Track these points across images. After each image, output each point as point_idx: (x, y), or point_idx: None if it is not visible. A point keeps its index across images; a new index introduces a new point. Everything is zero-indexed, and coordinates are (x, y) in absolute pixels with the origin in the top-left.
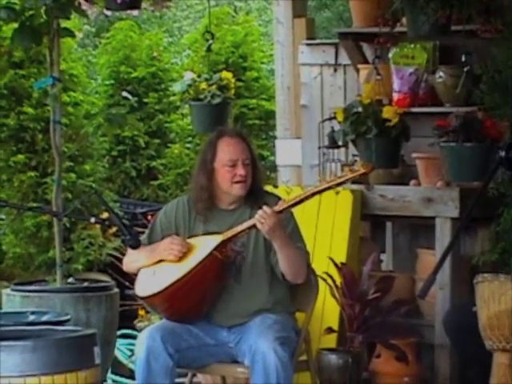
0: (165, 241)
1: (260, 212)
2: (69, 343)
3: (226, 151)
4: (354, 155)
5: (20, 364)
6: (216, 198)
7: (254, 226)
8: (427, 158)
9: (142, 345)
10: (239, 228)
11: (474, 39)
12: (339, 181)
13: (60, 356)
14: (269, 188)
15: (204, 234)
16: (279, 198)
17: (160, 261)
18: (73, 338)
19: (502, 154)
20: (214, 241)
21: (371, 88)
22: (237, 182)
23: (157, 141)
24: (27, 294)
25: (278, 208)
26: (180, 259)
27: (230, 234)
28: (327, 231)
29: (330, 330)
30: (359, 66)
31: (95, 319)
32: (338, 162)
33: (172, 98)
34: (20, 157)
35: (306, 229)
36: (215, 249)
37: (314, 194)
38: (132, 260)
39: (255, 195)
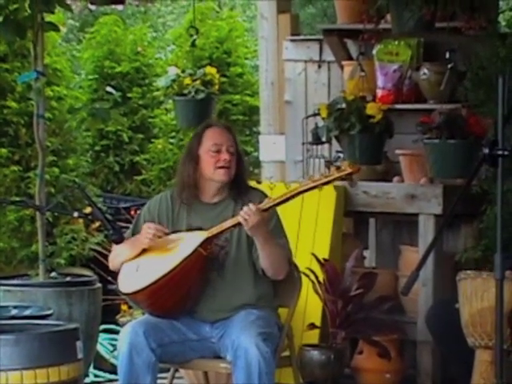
0: (142, 229)
1: (245, 209)
2: (51, 337)
3: (211, 138)
4: (337, 151)
5: (2, 358)
6: (200, 189)
7: (239, 223)
8: (411, 154)
9: (125, 340)
10: (224, 225)
11: (458, 36)
12: (325, 180)
13: (42, 350)
14: (252, 183)
15: (188, 229)
16: (263, 194)
17: (143, 252)
18: (55, 332)
19: (486, 151)
20: (198, 237)
21: (355, 84)
22: (221, 168)
23: (140, 136)
24: (9, 288)
25: (262, 206)
26: (164, 252)
27: (215, 230)
28: (310, 227)
29: (312, 325)
30: (343, 62)
31: (77, 314)
32: (321, 158)
33: (156, 93)
34: (3, 151)
35: (289, 224)
36: (200, 245)
37: (300, 193)
38: (116, 255)
39: (239, 188)
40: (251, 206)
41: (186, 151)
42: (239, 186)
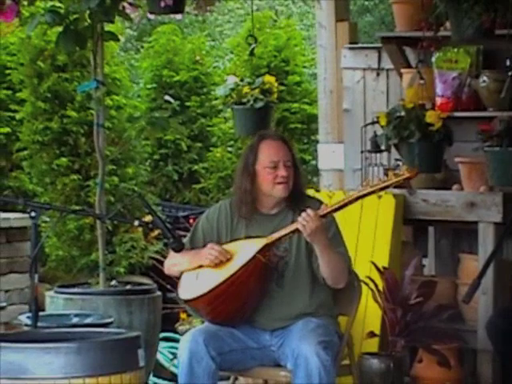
0: (206, 247)
1: (303, 214)
2: (113, 345)
3: (267, 153)
4: (396, 159)
5: (65, 366)
6: (258, 202)
7: (298, 229)
8: (470, 162)
9: (185, 348)
10: (283, 232)
11: None
12: (383, 185)
13: (105, 358)
14: (311, 192)
15: (246, 238)
16: (321, 202)
17: (201, 266)
18: (117, 340)
19: None
20: (257, 244)
21: (414, 92)
22: (279, 183)
23: (199, 144)
24: (70, 296)
25: (321, 212)
26: (222, 263)
27: (274, 237)
28: (369, 235)
29: (372, 334)
30: (402, 70)
31: (137, 322)
32: (380, 167)
33: (214, 102)
34: (63, 160)
35: (348, 233)
36: (259, 252)
37: (357, 199)
38: (174, 263)
39: (297, 199)
40: (309, 211)
41: (241, 164)
42: (297, 196)
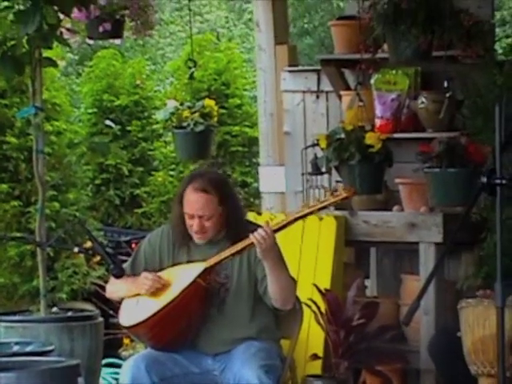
0: (140, 276)
1: (259, 230)
2: (53, 374)
3: (186, 202)
4: (337, 181)
5: None
6: None
7: (245, 249)
8: (410, 183)
9: (127, 374)
10: (222, 255)
11: (455, 64)
12: (321, 205)
13: None
14: (252, 216)
15: (188, 263)
16: (259, 226)
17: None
18: (57, 368)
19: (484, 179)
20: (197, 268)
21: (354, 114)
22: (195, 232)
23: (140, 169)
24: (11, 324)
25: (275, 227)
26: (163, 289)
27: (213, 261)
28: (311, 257)
29: (315, 356)
30: (341, 92)
31: (80, 349)
32: (321, 189)
33: (155, 126)
34: (3, 186)
35: (290, 255)
36: (199, 276)
37: (296, 219)
38: (114, 289)
39: (235, 230)
40: (266, 227)
41: (176, 196)
42: (235, 228)
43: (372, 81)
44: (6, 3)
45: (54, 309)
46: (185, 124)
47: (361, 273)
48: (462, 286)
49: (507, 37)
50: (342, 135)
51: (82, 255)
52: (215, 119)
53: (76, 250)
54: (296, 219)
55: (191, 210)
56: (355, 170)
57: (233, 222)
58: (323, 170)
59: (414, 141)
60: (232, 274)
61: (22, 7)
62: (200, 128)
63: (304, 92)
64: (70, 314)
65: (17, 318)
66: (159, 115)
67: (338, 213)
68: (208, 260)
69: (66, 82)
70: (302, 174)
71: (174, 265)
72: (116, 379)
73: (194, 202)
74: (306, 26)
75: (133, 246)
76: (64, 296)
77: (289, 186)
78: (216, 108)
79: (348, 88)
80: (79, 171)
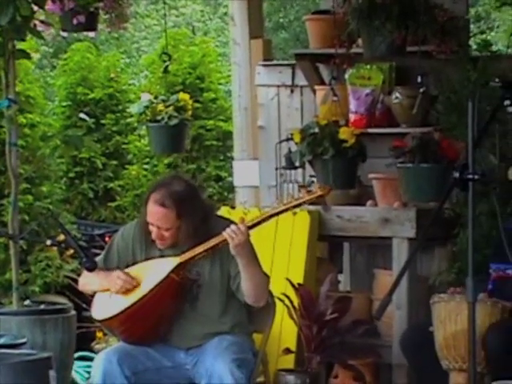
0: (113, 274)
1: (232, 227)
2: (24, 367)
3: (148, 211)
4: (311, 176)
5: None
6: None
7: (219, 245)
8: (384, 178)
9: (99, 368)
10: (196, 250)
11: (429, 60)
12: (296, 203)
13: (16, 380)
14: (226, 210)
15: (161, 257)
16: (233, 223)
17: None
18: (28, 361)
19: (457, 175)
20: (171, 263)
21: (328, 109)
22: (154, 238)
23: (114, 162)
24: None
25: (249, 223)
26: (131, 289)
27: (187, 256)
28: (284, 252)
29: (287, 350)
30: (316, 87)
31: (52, 342)
32: (295, 183)
33: (129, 120)
34: None
35: (263, 250)
36: (172, 271)
37: (271, 216)
38: (87, 282)
39: (203, 233)
40: (240, 224)
41: (143, 198)
42: (203, 229)
43: (346, 76)
44: None
45: (27, 302)
46: (159, 118)
47: (334, 267)
48: (435, 281)
49: (482, 33)
50: (316, 130)
51: (55, 248)
52: (189, 113)
53: (49, 243)
54: (271, 216)
55: (150, 219)
56: (329, 165)
57: (199, 225)
58: (297, 164)
59: (387, 136)
60: (203, 270)
61: None
62: (174, 122)
63: (278, 86)
64: (42, 307)
65: None
66: (133, 109)
67: (311, 208)
68: (182, 255)
69: (41, 75)
70: (276, 169)
71: (147, 259)
72: (88, 372)
73: (154, 213)
74: (281, 20)
75: (106, 239)
76: (37, 289)
77: (263, 180)
78: (190, 102)
79: (322, 83)
80: (53, 164)
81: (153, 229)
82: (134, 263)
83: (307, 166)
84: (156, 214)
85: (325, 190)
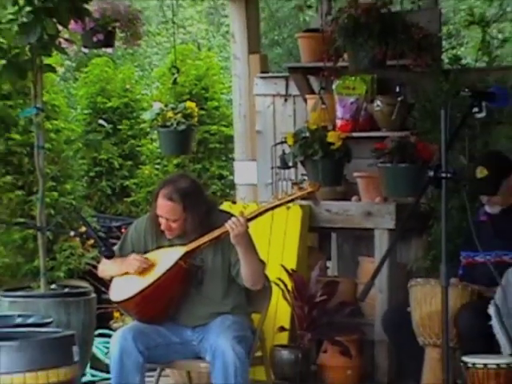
0: (129, 257)
1: (233, 219)
2: (50, 343)
3: (157, 205)
4: (302, 174)
5: (7, 363)
6: None
7: (221, 235)
8: (367, 176)
9: (116, 344)
10: (201, 240)
11: (406, 72)
12: (290, 198)
13: (43, 355)
14: (227, 205)
15: (170, 246)
16: (233, 215)
17: (127, 272)
18: (54, 338)
19: (431, 173)
20: (179, 251)
21: (317, 116)
22: (163, 229)
23: (129, 163)
24: (14, 299)
25: (248, 216)
26: (148, 269)
27: (193, 245)
28: (279, 242)
29: (282, 328)
30: (307, 96)
31: (75, 321)
32: (288, 181)
33: (142, 125)
34: (8, 178)
35: (261, 240)
36: (180, 258)
37: (267, 210)
38: (105, 269)
39: (207, 225)
40: (239, 216)
41: (153, 194)
42: (207, 221)
43: (334, 86)
44: (11, 16)
45: (53, 286)
46: (169, 123)
47: (323, 255)
48: (412, 267)
49: (452, 48)
50: (307, 134)
51: (77, 239)
52: (195, 119)
53: (72, 234)
54: (267, 210)
55: (160, 212)
56: (318, 165)
57: (203, 219)
58: (290, 164)
59: (370, 139)
60: (207, 258)
61: (25, 19)
62: (182, 127)
63: (274, 96)
64: (66, 290)
65: (20, 293)
66: (146, 116)
67: (303, 202)
68: (188, 244)
69: (64, 86)
70: (272, 168)
71: (157, 248)
72: (107, 348)
73: (162, 206)
74: (275, 37)
75: (122, 230)
76: (61, 274)
77: (260, 178)
78: (196, 109)
79: (312, 92)
80: (75, 165)
81: (162, 221)
82: (146, 252)
83: (299, 165)
84: (164, 207)
85: (315, 186)
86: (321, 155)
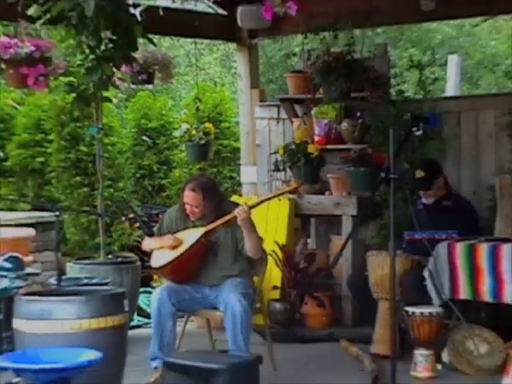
0: (165, 236)
1: (240, 207)
2: (108, 297)
3: (184, 195)
4: (290, 176)
5: (77, 311)
6: None
7: (231, 219)
8: (337, 177)
9: (155, 298)
10: (217, 222)
11: (365, 102)
12: (280, 192)
13: (103, 306)
14: (236, 197)
15: (193, 227)
16: (238, 205)
17: (163, 247)
18: (110, 294)
19: (383, 175)
20: (200, 231)
21: (301, 133)
22: (188, 213)
23: (164, 167)
24: (83, 266)
25: (250, 204)
26: (177, 245)
27: (211, 226)
28: (273, 224)
29: (275, 287)
30: (293, 119)
31: (125, 281)
32: (280, 180)
33: (174, 140)
34: (77, 178)
35: (260, 223)
36: (201, 237)
37: (264, 201)
38: (147, 244)
39: (220, 211)
40: (244, 205)
41: (182, 188)
42: (220, 209)
43: (312, 112)
44: (79, 61)
45: (109, 256)
46: (193, 139)
47: (305, 234)
48: (369, 242)
49: (398, 85)
50: (293, 146)
51: (127, 222)
52: (212, 136)
53: (123, 219)
54: (264, 200)
55: (186, 200)
56: (301, 169)
57: (216, 207)
58: (281, 168)
59: (339, 150)
60: (220, 236)
61: (89, 64)
62: (203, 141)
63: (269, 119)
64: (119, 259)
65: (86, 262)
66: (177, 133)
67: (290, 196)
68: (207, 226)
69: (118, 112)
70: (268, 171)
71: (184, 228)
72: (148, 301)
73: (188, 195)
74: (270, 76)
75: (159, 216)
76: (116, 248)
77: (259, 178)
78: (213, 129)
79: (297, 116)
80: (125, 169)
81: (187, 206)
82: (176, 232)
83: (288, 169)
84: (189, 196)
85: (298, 183)
86: (303, 162)
